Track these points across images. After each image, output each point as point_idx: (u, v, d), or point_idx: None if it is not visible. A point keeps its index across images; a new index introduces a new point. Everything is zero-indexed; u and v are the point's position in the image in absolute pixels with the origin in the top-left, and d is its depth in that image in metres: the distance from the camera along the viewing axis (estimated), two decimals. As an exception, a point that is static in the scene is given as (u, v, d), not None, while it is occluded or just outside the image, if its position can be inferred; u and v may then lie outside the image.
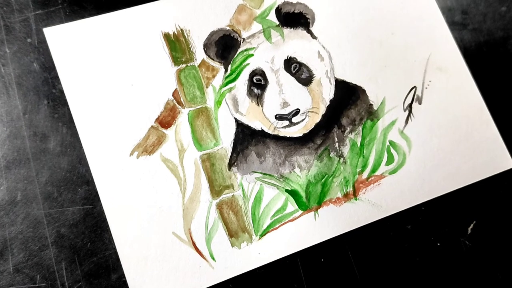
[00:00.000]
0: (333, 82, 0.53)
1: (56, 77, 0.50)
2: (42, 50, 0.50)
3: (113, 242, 0.47)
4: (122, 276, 0.47)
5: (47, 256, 0.46)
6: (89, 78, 0.49)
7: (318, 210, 0.50)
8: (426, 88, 0.53)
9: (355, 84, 0.53)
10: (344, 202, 0.50)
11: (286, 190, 0.50)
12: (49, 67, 0.50)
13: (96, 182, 0.48)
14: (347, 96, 0.53)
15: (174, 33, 0.51)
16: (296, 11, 0.54)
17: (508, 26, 0.57)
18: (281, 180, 0.50)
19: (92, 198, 0.48)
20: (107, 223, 0.47)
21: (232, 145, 0.50)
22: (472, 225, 0.51)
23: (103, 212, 0.47)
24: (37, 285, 0.46)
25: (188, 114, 0.50)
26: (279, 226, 0.49)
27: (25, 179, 0.47)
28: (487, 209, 0.52)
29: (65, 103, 0.49)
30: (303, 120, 0.51)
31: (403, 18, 0.55)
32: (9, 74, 0.49)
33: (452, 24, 0.56)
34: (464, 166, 0.52)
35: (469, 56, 0.55)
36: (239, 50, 0.52)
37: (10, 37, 0.50)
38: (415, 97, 0.53)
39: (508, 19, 0.57)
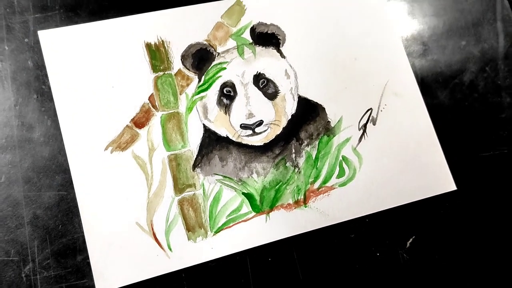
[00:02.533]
0: (296, 99, 0.57)
1: (46, 75, 0.55)
2: (37, 50, 0.55)
3: (82, 226, 0.51)
4: (86, 258, 0.51)
5: (22, 234, 0.51)
6: (75, 78, 0.54)
7: (270, 213, 0.54)
8: (381, 110, 0.58)
9: (316, 102, 0.58)
10: (294, 208, 0.54)
11: (243, 193, 0.54)
12: (41, 66, 0.55)
13: (72, 171, 0.52)
14: (308, 112, 0.57)
15: (155, 43, 0.57)
16: (269, 32, 0.59)
17: (465, 60, 0.61)
18: (239, 183, 0.55)
19: (67, 185, 0.52)
20: (78, 209, 0.52)
21: (198, 148, 0.55)
22: (411, 239, 0.55)
23: (75, 198, 0.52)
24: (10, 258, 0.51)
25: (161, 117, 0.55)
26: (233, 225, 0.53)
27: (9, 163, 0.52)
28: (427, 227, 0.55)
29: (52, 99, 0.54)
30: (265, 131, 0.56)
31: (366, 45, 0.59)
32: (5, 69, 0.55)
33: (413, 53, 0.60)
34: (409, 184, 0.56)
35: (425, 85, 0.59)
36: (214, 63, 0.57)
37: (10, 36, 0.56)
38: (370, 118, 0.57)
39: (466, 53, 0.61)
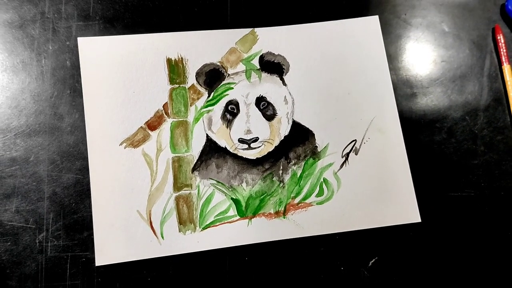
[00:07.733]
0: (291, 123, 0.63)
1: (80, 75, 0.62)
2: (75, 53, 0.63)
3: (91, 207, 0.58)
4: (91, 234, 0.57)
5: (41, 206, 0.58)
6: (103, 80, 0.61)
7: (252, 219, 0.60)
8: (364, 143, 0.63)
9: (308, 128, 0.63)
10: (274, 218, 0.60)
11: (232, 198, 0.60)
12: (77, 66, 0.62)
13: (89, 159, 0.59)
14: (299, 136, 0.63)
15: (175, 59, 0.64)
16: (275, 61, 0.65)
17: (448, 107, 0.66)
18: (230, 189, 0.61)
19: (84, 171, 0.59)
20: (90, 192, 0.58)
21: (199, 154, 0.61)
22: (373, 259, 0.60)
23: (89, 183, 0.58)
24: (28, 225, 0.58)
25: (171, 123, 0.61)
26: (219, 225, 0.59)
27: (39, 145, 0.60)
28: (389, 251, 0.60)
29: (81, 95, 0.61)
30: (259, 147, 0.62)
31: (360, 83, 0.65)
32: (47, 65, 0.63)
33: (401, 95, 0.66)
34: (379, 211, 0.61)
35: (407, 125, 0.64)
36: (223, 82, 0.63)
37: (54, 38, 0.64)
38: (354, 148, 0.63)
39: (450, 102, 0.66)
